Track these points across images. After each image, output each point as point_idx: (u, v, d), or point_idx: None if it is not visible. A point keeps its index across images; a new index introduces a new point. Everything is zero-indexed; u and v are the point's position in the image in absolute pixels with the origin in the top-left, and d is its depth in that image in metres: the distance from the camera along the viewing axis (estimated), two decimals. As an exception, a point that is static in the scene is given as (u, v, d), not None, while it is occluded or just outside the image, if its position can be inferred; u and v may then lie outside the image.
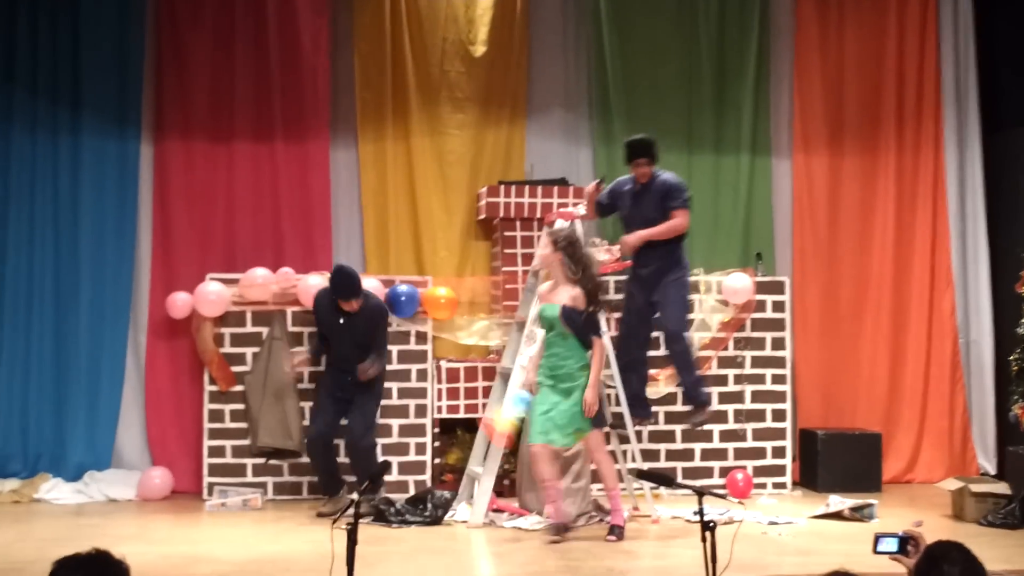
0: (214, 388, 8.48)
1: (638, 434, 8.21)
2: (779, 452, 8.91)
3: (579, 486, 7.58)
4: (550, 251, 7.15)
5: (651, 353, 8.21)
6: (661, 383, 8.59)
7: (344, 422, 7.96)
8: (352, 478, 8.00)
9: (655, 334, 8.18)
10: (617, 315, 8.21)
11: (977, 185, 9.84)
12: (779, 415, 8.94)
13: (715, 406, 8.44)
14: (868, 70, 9.80)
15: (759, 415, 8.86)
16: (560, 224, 7.84)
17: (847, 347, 9.68)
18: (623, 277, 8.41)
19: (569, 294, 7.02)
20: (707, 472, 8.74)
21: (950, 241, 9.78)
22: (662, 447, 8.78)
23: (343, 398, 7.91)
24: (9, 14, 8.82)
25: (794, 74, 9.81)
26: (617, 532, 7.08)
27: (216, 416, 8.48)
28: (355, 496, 4.52)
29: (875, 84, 9.81)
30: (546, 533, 7.13)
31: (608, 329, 7.80)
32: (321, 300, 7.99)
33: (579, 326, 7.00)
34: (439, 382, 8.65)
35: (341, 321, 7.82)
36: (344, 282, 7.76)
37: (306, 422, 8.42)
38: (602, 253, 8.48)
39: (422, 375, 8.66)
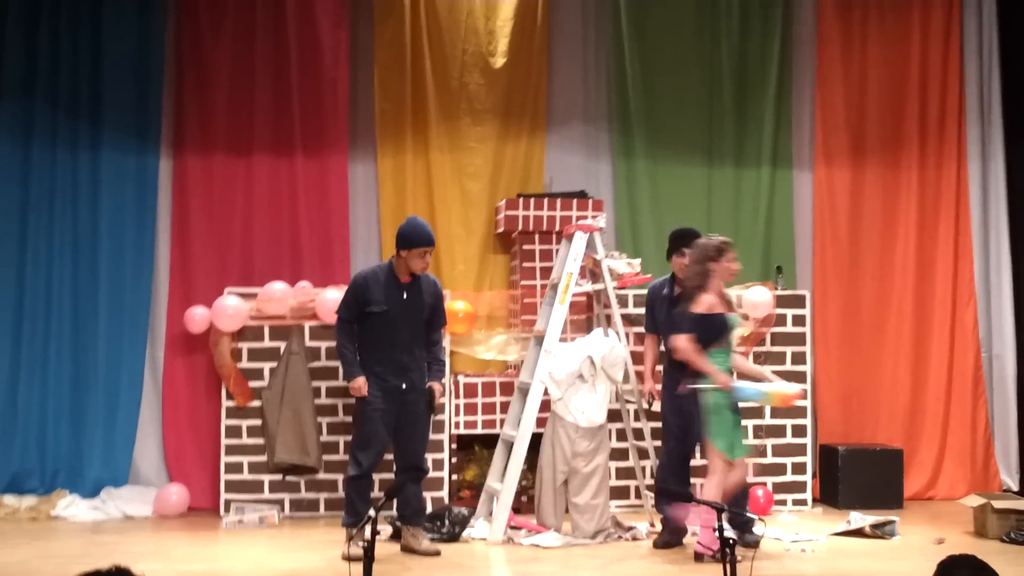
0: (231, 403, 8.46)
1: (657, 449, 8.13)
2: (799, 468, 8.83)
3: (597, 503, 7.52)
4: (715, 263, 6.88)
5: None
6: None
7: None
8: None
9: None
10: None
11: (1000, 197, 9.73)
12: (799, 431, 8.85)
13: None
14: (891, 83, 9.72)
15: (779, 431, 8.78)
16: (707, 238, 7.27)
17: (868, 362, 9.59)
18: (642, 291, 8.35)
19: (719, 303, 6.89)
20: (727, 488, 8.69)
21: (973, 254, 9.68)
22: (682, 463, 8.71)
23: (389, 411, 7.05)
24: (30, 28, 8.83)
25: (816, 86, 9.74)
26: None
27: (233, 432, 8.45)
28: (372, 512, 4.48)
29: (898, 97, 9.73)
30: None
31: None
32: (375, 278, 7.08)
33: None
34: (457, 397, 8.60)
35: (404, 296, 7.12)
36: (426, 227, 7.12)
37: (324, 437, 8.40)
38: (624, 266, 8.40)
39: (440, 390, 8.62)
